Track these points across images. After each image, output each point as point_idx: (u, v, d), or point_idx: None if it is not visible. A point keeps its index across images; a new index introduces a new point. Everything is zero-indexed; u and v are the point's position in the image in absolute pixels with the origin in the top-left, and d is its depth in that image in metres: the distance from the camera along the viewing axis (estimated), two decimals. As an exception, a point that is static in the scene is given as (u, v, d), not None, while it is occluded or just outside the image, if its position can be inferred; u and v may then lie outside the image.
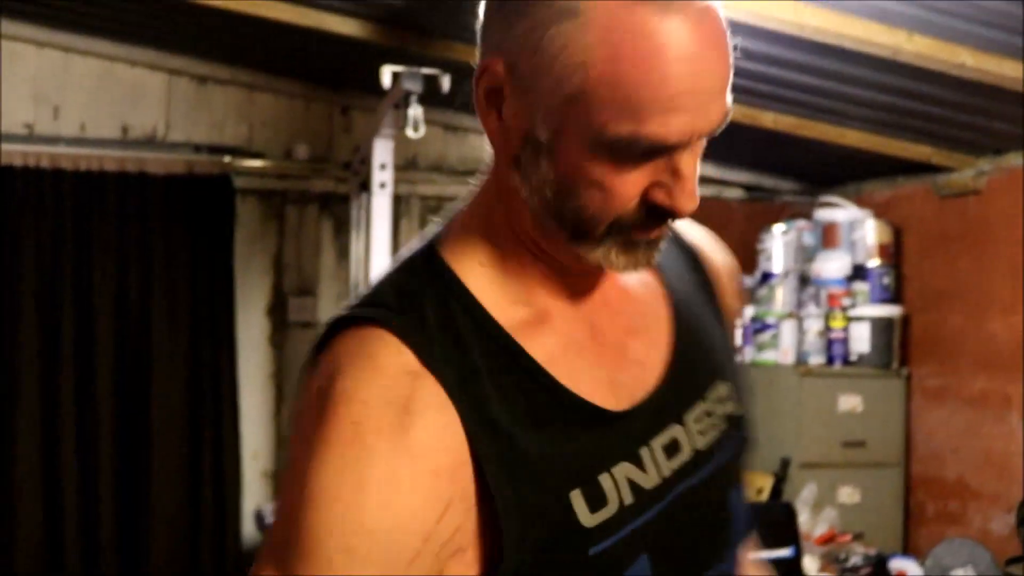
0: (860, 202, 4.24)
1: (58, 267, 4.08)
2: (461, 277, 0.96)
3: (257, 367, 4.46)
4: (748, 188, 4.74)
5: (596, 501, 0.92)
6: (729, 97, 0.89)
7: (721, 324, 1.12)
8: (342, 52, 3.82)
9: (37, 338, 4.05)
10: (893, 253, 4.12)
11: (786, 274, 4.22)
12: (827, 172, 4.42)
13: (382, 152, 3.54)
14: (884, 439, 4.03)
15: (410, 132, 3.15)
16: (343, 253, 4.48)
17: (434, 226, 1.03)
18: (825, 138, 3.70)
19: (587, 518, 0.92)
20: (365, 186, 3.79)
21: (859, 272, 4.08)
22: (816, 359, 4.05)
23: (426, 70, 3.14)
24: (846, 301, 4.05)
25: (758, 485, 3.68)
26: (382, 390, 0.88)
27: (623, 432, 0.96)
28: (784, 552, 3.17)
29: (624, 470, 0.95)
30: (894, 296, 4.09)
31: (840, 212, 4.17)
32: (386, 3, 3.29)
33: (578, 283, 0.99)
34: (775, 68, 3.10)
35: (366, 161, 3.70)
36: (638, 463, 0.96)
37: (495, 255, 0.97)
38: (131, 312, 4.15)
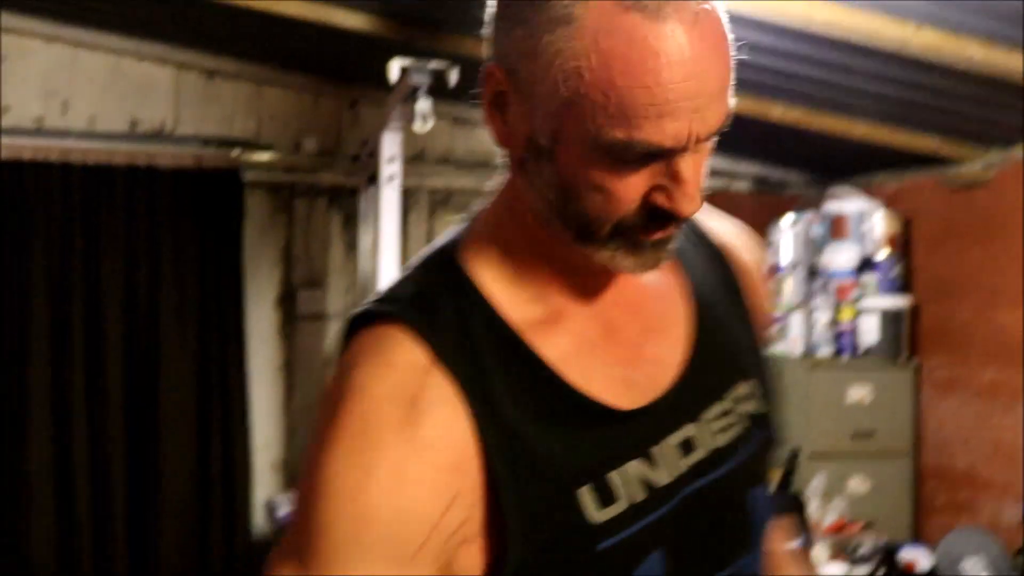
0: (869, 194, 4.23)
1: (67, 260, 4.09)
2: (476, 276, 0.97)
3: (266, 359, 4.48)
4: (756, 180, 4.74)
5: (605, 498, 0.94)
6: (730, 99, 0.89)
7: (748, 322, 1.11)
8: (350, 46, 3.82)
9: (47, 331, 4.07)
10: (902, 245, 4.12)
11: (794, 266, 4.22)
12: (835, 164, 4.41)
13: (390, 145, 3.54)
14: (893, 430, 4.04)
15: (418, 126, 3.15)
16: (352, 246, 4.49)
17: (457, 224, 1.04)
18: (834, 130, 3.69)
19: (595, 514, 0.93)
20: (373, 179, 3.80)
21: (868, 264, 4.08)
22: (825, 351, 4.06)
23: (434, 64, 3.14)
24: (855, 293, 4.05)
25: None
26: (392, 385, 0.90)
27: (634, 430, 0.97)
28: (794, 542, 3.18)
29: (635, 468, 0.96)
30: (903, 287, 4.09)
31: (849, 204, 4.16)
32: (394, -3, 3.30)
33: (593, 282, 1.00)
34: (783, 61, 3.10)
35: (374, 154, 3.70)
36: (650, 461, 0.97)
37: (510, 254, 0.98)
38: (140, 305, 4.17)
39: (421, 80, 3.13)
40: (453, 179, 4.64)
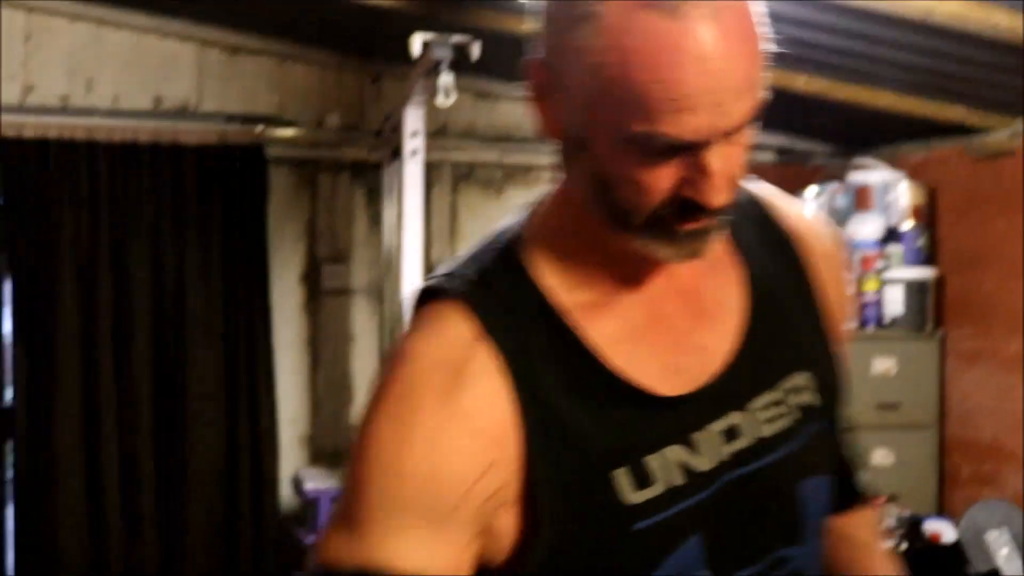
0: (893, 164, 4.21)
1: (94, 238, 4.13)
2: (530, 259, 1.01)
3: (292, 333, 4.51)
4: (780, 151, 4.72)
5: (642, 480, 0.96)
6: (759, 91, 0.90)
7: (814, 313, 1.11)
8: (373, 21, 3.82)
9: (75, 308, 4.11)
10: (927, 215, 4.10)
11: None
12: (860, 134, 4.39)
13: (413, 120, 3.55)
14: (918, 401, 4.03)
15: (441, 100, 3.16)
16: (375, 220, 4.51)
17: (526, 204, 1.07)
18: (858, 100, 3.67)
19: (631, 495, 0.96)
20: (396, 154, 3.81)
21: (892, 235, 4.06)
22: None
23: (456, 38, 3.14)
24: (879, 264, 4.03)
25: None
26: (441, 353, 0.95)
27: (676, 416, 0.99)
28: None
29: (674, 452, 0.98)
30: (928, 258, 4.08)
31: (873, 174, 4.14)
32: (416, -29, 3.29)
33: (643, 269, 1.01)
34: (807, 31, 3.08)
35: (397, 129, 3.71)
36: (690, 446, 0.99)
37: (563, 240, 1.01)
38: (167, 281, 4.20)
39: (443, 54, 3.13)
40: (476, 153, 4.65)
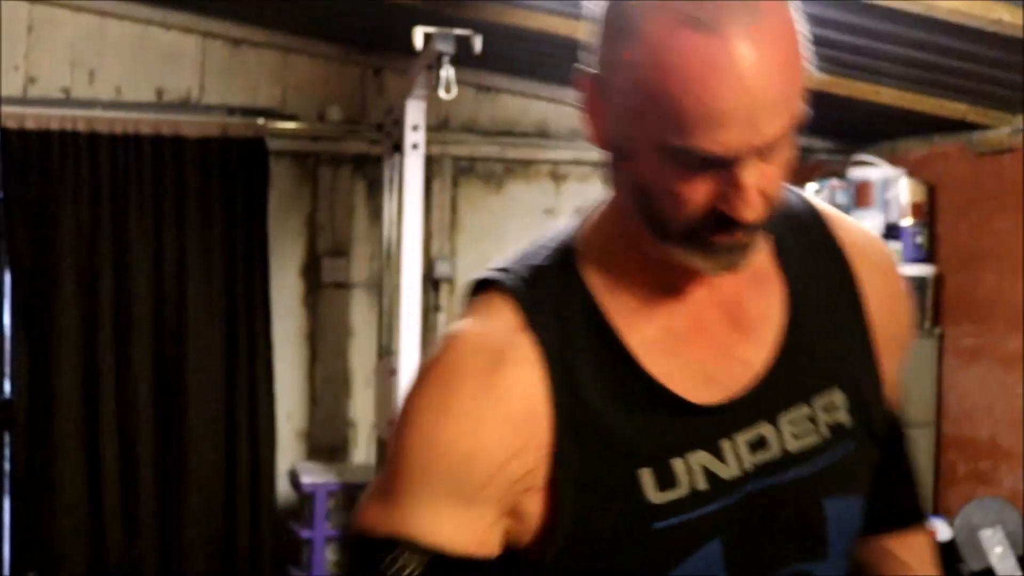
0: (894, 160, 4.21)
1: (95, 230, 4.13)
2: (580, 260, 1.05)
3: (291, 327, 4.51)
4: (781, 148, 4.72)
5: (666, 481, 1.00)
6: (794, 108, 0.92)
7: (859, 332, 1.11)
8: (375, 14, 3.83)
9: (76, 299, 4.11)
10: (927, 212, 4.09)
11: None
12: (861, 130, 4.39)
13: (414, 113, 3.55)
14: (916, 399, 4.03)
15: (442, 93, 3.16)
16: (376, 214, 4.51)
17: (583, 207, 1.11)
18: (859, 96, 3.67)
19: (654, 495, 0.99)
20: (398, 147, 3.81)
21: (892, 231, 4.06)
22: (848, 319, 4.04)
23: (458, 31, 3.15)
24: (879, 261, 4.02)
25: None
26: (484, 339, 1.00)
27: (705, 423, 1.02)
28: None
29: (700, 458, 1.01)
30: (928, 255, 4.08)
31: (874, 171, 4.14)
32: (418, -37, 3.29)
33: (686, 278, 1.03)
34: (808, 25, 3.08)
35: (399, 122, 3.72)
36: (717, 453, 1.02)
37: (612, 245, 1.05)
38: (167, 274, 4.21)
39: (445, 48, 3.13)
40: (477, 147, 4.65)
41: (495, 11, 3.45)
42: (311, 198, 4.55)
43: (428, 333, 4.49)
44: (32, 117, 4.07)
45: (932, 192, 4.11)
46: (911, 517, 1.24)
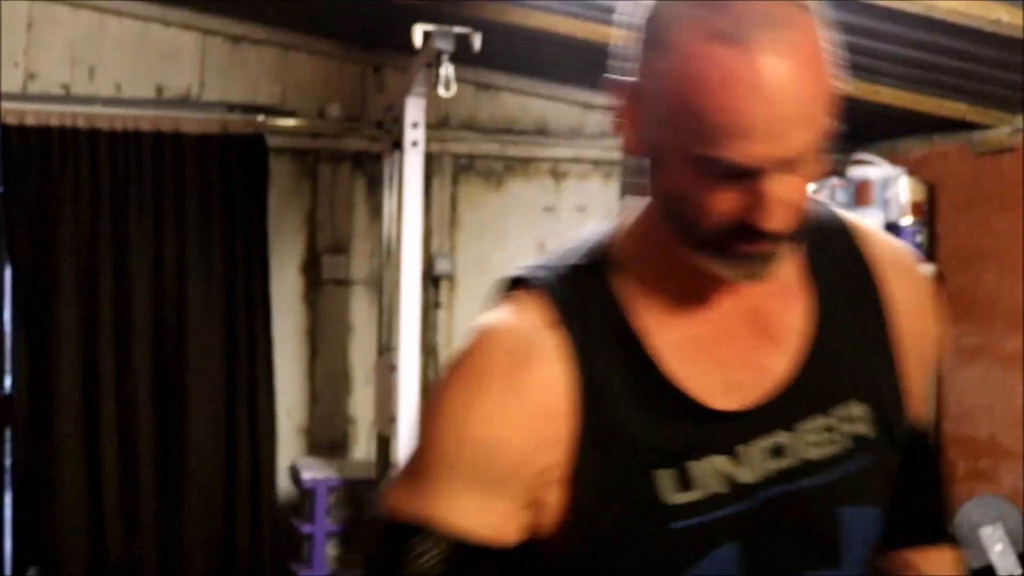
0: (894, 160, 4.21)
1: (95, 226, 4.13)
2: (611, 263, 1.08)
3: (291, 324, 4.52)
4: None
5: (683, 483, 1.02)
6: (822, 123, 0.93)
7: (884, 346, 1.12)
8: (375, 12, 3.82)
9: (75, 296, 4.11)
10: (927, 211, 4.09)
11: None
12: (860, 130, 4.39)
13: (414, 111, 3.56)
14: (915, 398, 4.03)
15: (442, 91, 3.17)
16: (376, 211, 4.51)
17: (619, 211, 1.13)
18: (858, 95, 3.67)
19: (671, 496, 1.02)
20: (397, 144, 3.82)
21: (892, 230, 4.06)
22: (848, 317, 4.04)
23: (458, 29, 3.15)
24: (879, 259, 4.02)
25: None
26: (514, 334, 1.04)
27: (724, 428, 1.04)
28: None
29: (717, 462, 1.03)
30: (927, 255, 4.08)
31: (873, 170, 4.14)
32: (418, -39, 3.29)
33: (713, 285, 1.05)
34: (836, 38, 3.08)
35: (398, 120, 3.72)
36: (735, 458, 1.04)
37: (642, 250, 1.07)
38: (167, 271, 4.21)
39: (444, 45, 3.14)
40: (476, 144, 4.65)
41: (495, 9, 3.45)
42: (311, 195, 4.55)
43: (428, 330, 4.50)
44: (32, 113, 4.07)
45: (932, 191, 4.11)
46: (938, 533, 1.24)
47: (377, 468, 4.15)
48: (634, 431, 1.02)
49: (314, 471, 4.28)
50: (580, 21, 3.44)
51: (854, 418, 1.08)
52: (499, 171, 4.73)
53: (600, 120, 4.80)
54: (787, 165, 0.93)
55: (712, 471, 1.03)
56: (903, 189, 4.06)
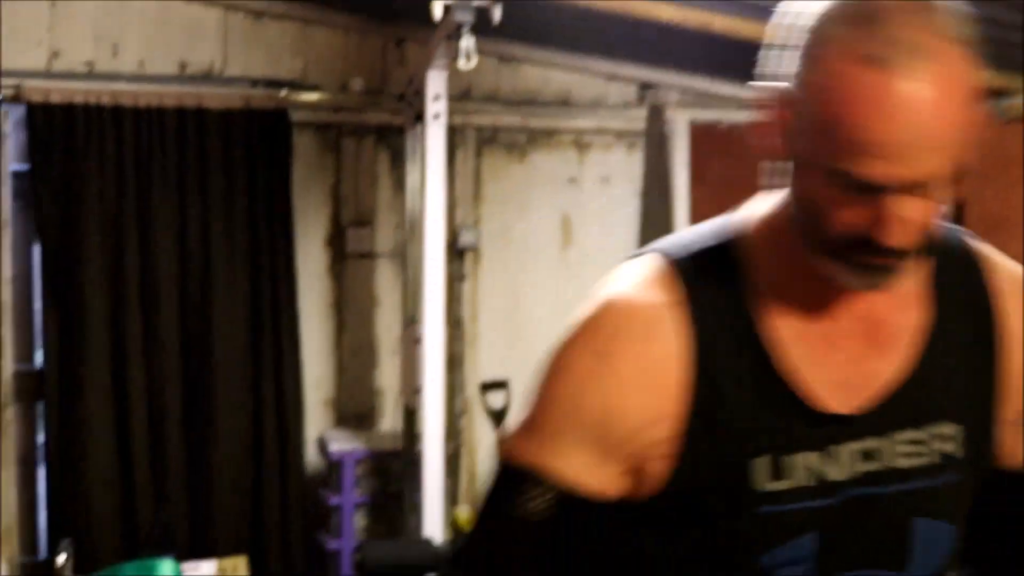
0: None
1: (120, 203, 4.16)
2: (743, 251, 1.13)
3: (317, 297, 4.54)
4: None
5: (776, 472, 1.09)
6: (954, 151, 0.98)
7: (989, 373, 1.16)
8: (395, -16, 3.82)
9: (103, 272, 4.15)
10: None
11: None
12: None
13: (435, 83, 3.56)
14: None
15: (462, 63, 3.17)
16: (400, 184, 4.52)
17: (761, 196, 1.17)
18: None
19: (764, 483, 1.09)
20: (420, 117, 3.82)
21: (917, 198, 4.03)
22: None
23: (477, 1, 3.14)
24: (904, 227, 4.00)
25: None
26: (642, 310, 1.10)
27: (825, 426, 1.10)
28: None
29: (810, 457, 1.10)
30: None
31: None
32: (437, -67, 3.28)
33: (835, 288, 1.09)
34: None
35: (420, 93, 3.72)
36: (827, 456, 1.10)
37: (773, 245, 1.12)
38: (193, 246, 4.23)
39: (465, 17, 3.13)
40: (499, 116, 4.65)
41: (515, -20, 3.44)
42: (334, 169, 4.56)
43: (452, 302, 4.52)
44: (56, 91, 4.10)
45: (957, 158, 4.07)
46: None
47: (403, 439, 4.18)
48: (740, 417, 1.08)
49: (341, 443, 4.32)
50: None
51: (945, 436, 1.13)
52: (522, 143, 4.73)
53: (623, 90, 4.79)
54: (915, 187, 0.98)
55: (803, 465, 1.09)
56: (928, 156, 4.03)
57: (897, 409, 1.11)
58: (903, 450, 1.12)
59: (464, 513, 4.54)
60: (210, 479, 4.24)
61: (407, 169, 4.34)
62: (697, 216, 4.55)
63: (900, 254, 1.02)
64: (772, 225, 1.12)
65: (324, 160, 4.55)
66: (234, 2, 4.34)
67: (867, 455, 1.11)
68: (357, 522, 4.43)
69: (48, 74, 4.16)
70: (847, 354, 1.11)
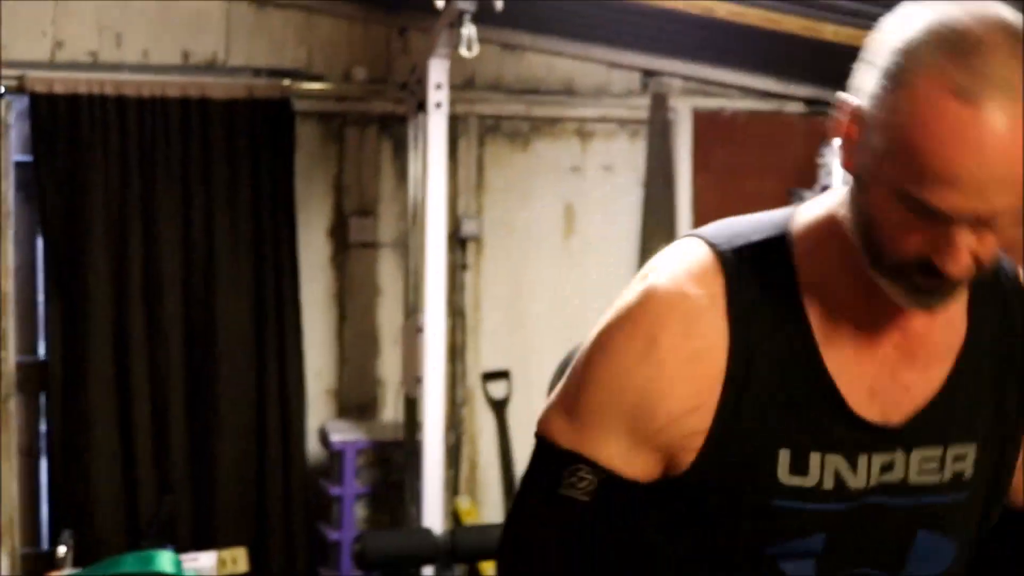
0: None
1: (124, 193, 4.16)
2: (792, 249, 1.14)
3: (320, 287, 4.54)
4: (808, 102, 4.68)
5: (798, 469, 1.11)
6: None
7: (1014, 400, 1.19)
8: (397, -28, 3.81)
9: (106, 262, 4.15)
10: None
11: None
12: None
13: (437, 72, 3.55)
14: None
15: (464, 51, 3.16)
16: (402, 173, 4.52)
17: (820, 195, 1.19)
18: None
19: (784, 476, 1.11)
20: (422, 106, 3.81)
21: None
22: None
23: (480, -11, 3.13)
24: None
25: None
26: (685, 300, 1.11)
27: (854, 432, 1.12)
28: None
29: (835, 461, 1.12)
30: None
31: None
32: (440, -78, 3.27)
33: (881, 299, 1.10)
34: None
35: (422, 81, 3.72)
36: (852, 463, 1.12)
37: (824, 248, 1.13)
38: (196, 235, 4.24)
39: (466, 6, 3.13)
40: (502, 105, 4.64)
41: (518, -31, 3.43)
42: (337, 159, 4.56)
43: (455, 292, 4.52)
44: (60, 81, 4.10)
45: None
46: None
47: (405, 430, 4.18)
48: (775, 410, 1.10)
49: (343, 433, 4.32)
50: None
51: (963, 458, 1.16)
52: (525, 131, 4.72)
53: (626, 78, 4.78)
54: (983, 221, 0.99)
55: (828, 467, 1.11)
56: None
57: (924, 426, 1.13)
58: (921, 466, 1.14)
59: (465, 503, 4.54)
60: (212, 470, 4.25)
61: (409, 158, 4.33)
62: (700, 204, 4.55)
63: (958, 282, 1.04)
64: (828, 229, 1.12)
65: (327, 150, 4.54)
66: (237, -9, 4.33)
67: (887, 467, 1.13)
68: (358, 512, 4.44)
69: (52, 64, 4.16)
70: (887, 365, 1.13)
